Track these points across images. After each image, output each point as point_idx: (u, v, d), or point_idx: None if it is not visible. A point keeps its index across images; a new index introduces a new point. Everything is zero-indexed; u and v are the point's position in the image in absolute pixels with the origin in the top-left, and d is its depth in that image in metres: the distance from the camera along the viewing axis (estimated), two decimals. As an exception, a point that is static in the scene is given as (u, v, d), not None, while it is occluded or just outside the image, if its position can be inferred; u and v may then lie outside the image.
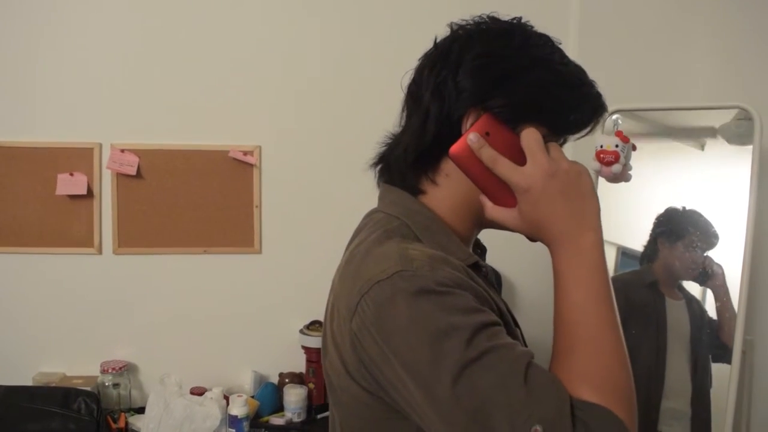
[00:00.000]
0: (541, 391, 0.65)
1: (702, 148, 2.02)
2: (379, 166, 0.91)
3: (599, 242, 0.76)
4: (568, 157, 0.79)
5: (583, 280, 0.74)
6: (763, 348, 1.82)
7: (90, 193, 2.18)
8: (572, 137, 0.87)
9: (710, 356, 1.91)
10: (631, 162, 2.00)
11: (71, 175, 2.16)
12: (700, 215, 1.92)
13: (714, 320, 1.91)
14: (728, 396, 1.69)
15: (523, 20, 0.84)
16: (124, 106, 2.19)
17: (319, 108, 2.28)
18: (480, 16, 0.84)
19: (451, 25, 0.85)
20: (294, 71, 2.27)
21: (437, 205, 0.85)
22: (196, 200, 2.24)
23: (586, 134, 0.87)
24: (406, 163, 0.85)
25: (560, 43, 0.84)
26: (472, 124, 0.79)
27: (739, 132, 1.83)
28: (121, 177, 2.19)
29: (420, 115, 0.83)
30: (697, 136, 2.00)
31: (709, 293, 1.94)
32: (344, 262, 0.85)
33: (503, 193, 0.79)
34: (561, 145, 0.85)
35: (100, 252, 2.20)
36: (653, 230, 2.01)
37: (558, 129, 0.83)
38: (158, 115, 2.21)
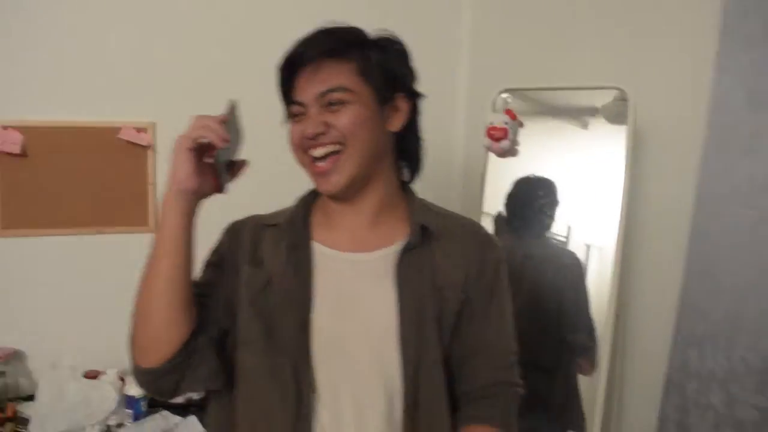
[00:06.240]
0: None
1: (585, 127, 2.14)
2: None
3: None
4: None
5: None
6: (635, 324, 1.95)
7: (-31, 173, 2.05)
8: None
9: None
10: (519, 138, 2.11)
11: (-53, 153, 2.03)
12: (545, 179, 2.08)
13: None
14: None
15: None
16: (4, 79, 2.06)
17: (216, 82, 2.23)
18: None
19: None
20: (190, 42, 2.22)
21: None
22: (87, 179, 2.16)
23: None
24: None
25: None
26: None
27: (617, 112, 1.95)
28: (3, 155, 2.07)
29: None
30: (580, 115, 2.12)
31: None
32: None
33: None
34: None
35: (-18, 234, 2.09)
36: (536, 202, 2.10)
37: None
38: (43, 89, 2.10)
